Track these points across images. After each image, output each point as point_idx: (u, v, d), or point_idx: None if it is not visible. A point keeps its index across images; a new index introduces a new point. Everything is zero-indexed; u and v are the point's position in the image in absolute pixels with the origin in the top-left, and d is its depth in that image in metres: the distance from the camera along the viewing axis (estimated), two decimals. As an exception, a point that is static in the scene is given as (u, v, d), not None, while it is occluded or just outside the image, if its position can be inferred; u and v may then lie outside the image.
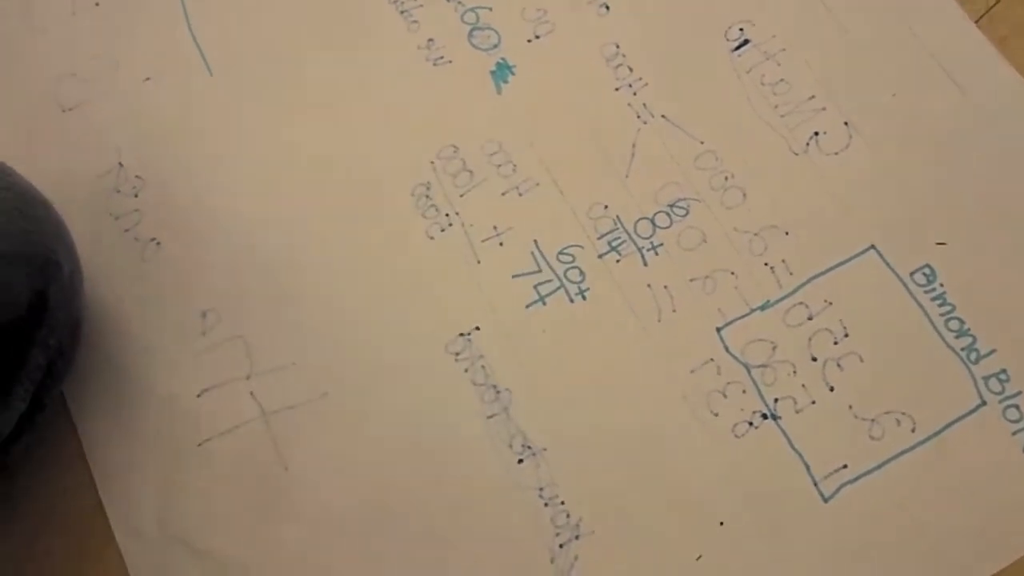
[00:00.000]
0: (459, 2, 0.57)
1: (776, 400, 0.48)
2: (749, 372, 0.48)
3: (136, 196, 0.54)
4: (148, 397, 0.50)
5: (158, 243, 0.53)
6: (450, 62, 0.56)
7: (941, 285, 0.49)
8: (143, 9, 0.59)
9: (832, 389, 0.48)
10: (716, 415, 0.48)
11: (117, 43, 0.58)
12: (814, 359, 0.48)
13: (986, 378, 0.47)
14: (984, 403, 0.47)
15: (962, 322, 0.48)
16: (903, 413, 0.47)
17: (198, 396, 0.50)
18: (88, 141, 0.56)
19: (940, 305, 0.49)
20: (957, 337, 0.48)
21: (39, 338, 0.44)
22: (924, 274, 0.49)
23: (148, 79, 0.57)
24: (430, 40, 0.56)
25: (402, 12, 0.57)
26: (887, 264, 0.50)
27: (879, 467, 0.46)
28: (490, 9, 0.57)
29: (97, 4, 0.59)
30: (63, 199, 0.50)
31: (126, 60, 0.58)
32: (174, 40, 0.58)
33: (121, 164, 0.55)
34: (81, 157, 0.56)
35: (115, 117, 0.56)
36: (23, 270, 0.41)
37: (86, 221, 0.53)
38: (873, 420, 0.47)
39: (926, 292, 0.49)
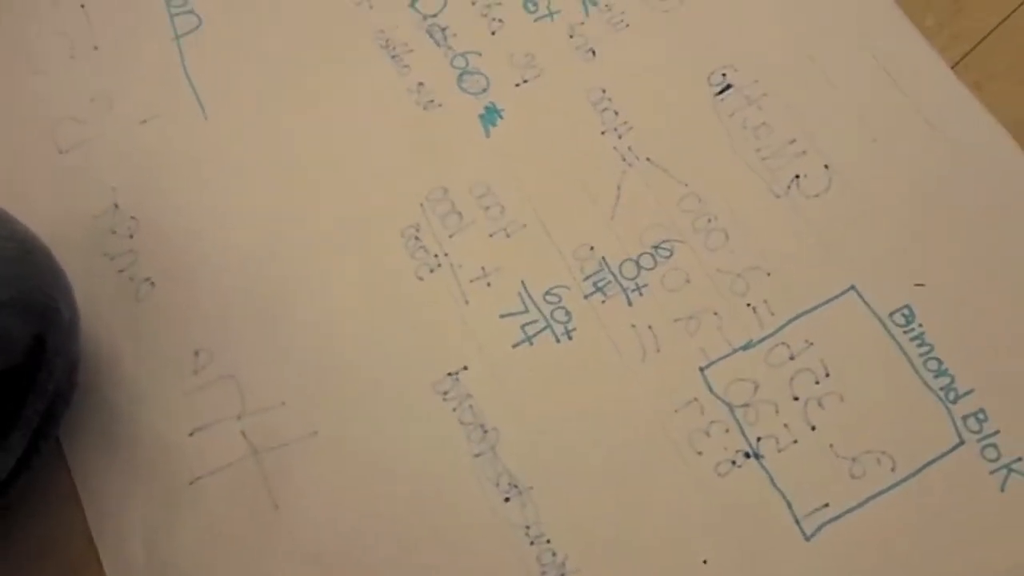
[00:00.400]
0: (449, 47, 0.58)
1: (759, 439, 0.48)
2: (732, 411, 0.49)
3: (131, 237, 0.55)
4: (140, 436, 0.51)
5: (152, 283, 0.54)
6: (440, 105, 0.57)
7: (920, 325, 0.50)
8: (140, 53, 0.60)
9: (814, 428, 0.48)
10: (700, 454, 0.48)
11: (114, 86, 0.60)
12: (796, 398, 0.49)
13: (964, 417, 0.48)
14: (963, 442, 0.48)
15: (940, 362, 0.49)
16: (883, 452, 0.48)
17: (190, 435, 0.51)
18: (85, 182, 0.57)
19: (919, 345, 0.50)
20: (936, 377, 0.49)
21: (37, 384, 0.44)
22: (903, 315, 0.50)
23: (144, 121, 0.58)
24: (420, 84, 0.58)
25: (393, 56, 0.58)
26: (867, 305, 0.51)
27: (860, 505, 0.47)
28: (479, 54, 0.58)
29: (96, 48, 0.61)
30: (59, 239, 0.51)
31: (123, 102, 0.59)
32: (170, 83, 0.59)
33: (116, 205, 0.56)
34: (77, 198, 0.57)
35: (111, 159, 0.58)
36: (23, 317, 0.42)
37: (81, 261, 0.54)
38: (854, 459, 0.48)
39: (905, 332, 0.50)
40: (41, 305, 0.43)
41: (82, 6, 0.62)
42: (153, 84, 0.59)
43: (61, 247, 0.50)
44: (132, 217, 0.56)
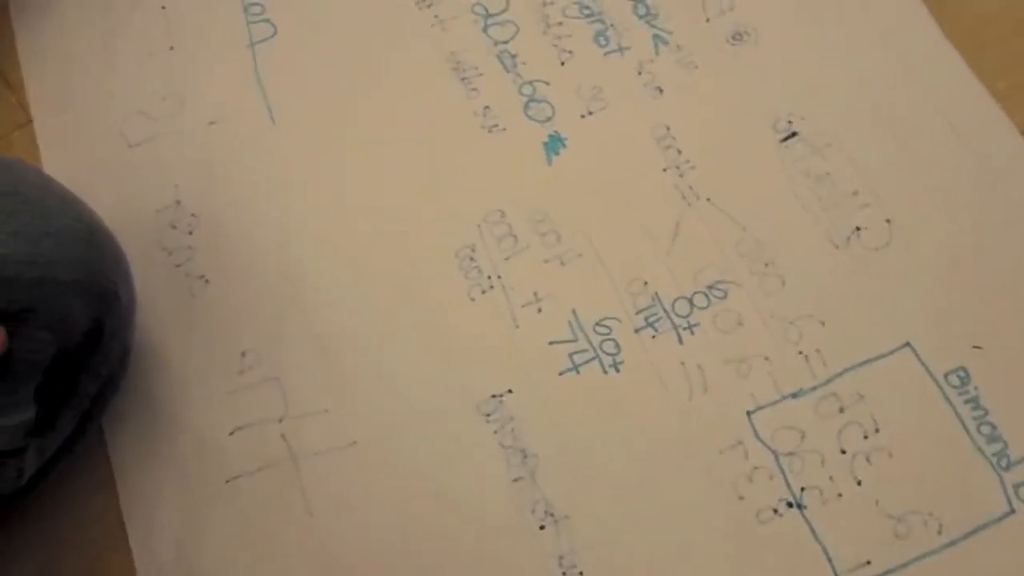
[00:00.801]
0: (518, 74, 0.59)
1: (803, 489, 0.48)
2: (777, 459, 0.48)
3: (190, 233, 0.56)
4: (181, 430, 0.51)
5: (207, 280, 0.55)
6: (504, 130, 0.57)
7: (975, 388, 0.49)
8: (215, 56, 0.62)
9: (860, 483, 0.47)
10: (742, 499, 0.48)
11: (187, 86, 0.61)
12: (843, 451, 0.48)
13: (1016, 486, 0.47)
14: (1013, 511, 0.46)
15: (994, 427, 0.48)
16: (930, 514, 0.47)
17: (230, 434, 0.51)
18: (150, 177, 0.58)
19: (973, 408, 0.49)
20: (989, 442, 0.48)
21: (92, 366, 0.45)
22: (959, 376, 0.49)
23: (213, 123, 0.59)
24: (487, 107, 0.58)
25: (463, 79, 0.59)
26: (922, 363, 0.50)
27: (903, 566, 0.46)
28: (547, 83, 0.59)
29: (172, 48, 0.62)
30: (121, 229, 0.52)
31: (194, 102, 0.60)
32: (242, 87, 0.60)
33: (179, 201, 0.57)
34: (142, 191, 0.58)
35: (178, 156, 0.59)
36: (84, 299, 0.43)
37: (140, 253, 0.55)
38: (899, 518, 0.47)
39: (960, 394, 0.49)
40: (103, 289, 0.44)
41: (163, 8, 0.63)
42: (225, 87, 0.60)
43: (122, 238, 0.51)
44: (193, 214, 0.57)
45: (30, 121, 0.61)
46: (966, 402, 0.49)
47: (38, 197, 0.43)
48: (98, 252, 0.44)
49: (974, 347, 0.50)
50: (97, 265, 0.44)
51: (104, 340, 0.45)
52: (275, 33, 0.62)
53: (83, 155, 0.59)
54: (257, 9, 0.63)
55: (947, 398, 0.49)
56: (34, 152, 0.60)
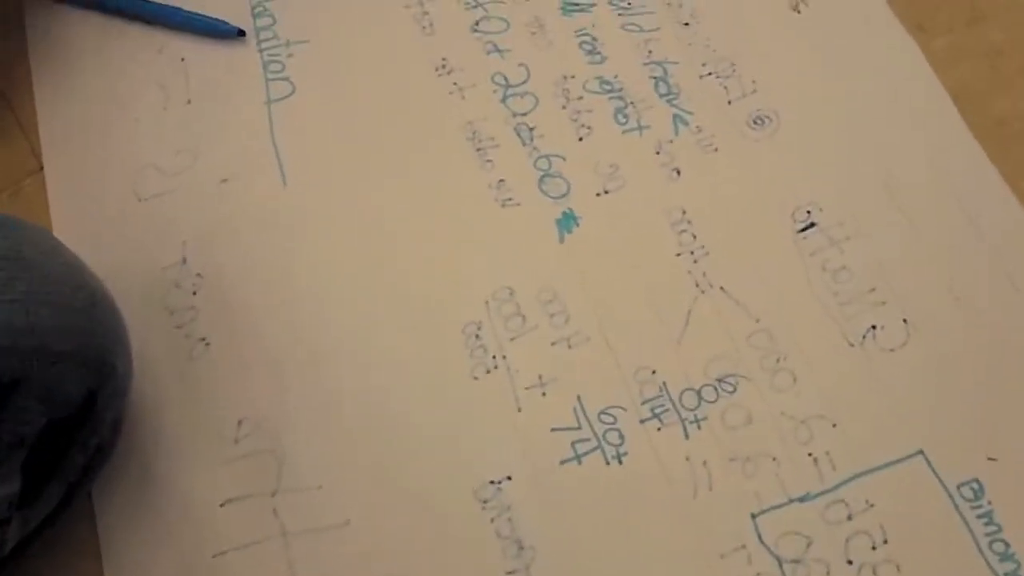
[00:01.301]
0: (534, 147, 0.58)
1: (806, 600, 0.46)
2: (781, 566, 0.47)
3: (194, 294, 0.55)
4: (171, 499, 0.50)
5: (207, 343, 0.54)
6: (518, 204, 0.57)
7: (989, 503, 0.47)
8: (231, 112, 0.61)
9: (865, 597, 0.46)
10: (742, 607, 0.46)
11: (201, 141, 0.60)
12: (850, 562, 0.47)
13: (1028, 610, 0.45)
14: (1024, 637, 0.45)
15: (1008, 545, 0.47)
16: (937, 634, 0.45)
17: (221, 505, 0.50)
18: (158, 233, 0.58)
19: (986, 524, 0.47)
20: (1001, 561, 0.46)
21: (81, 438, 0.44)
22: (972, 488, 0.48)
23: (225, 180, 0.59)
24: (501, 180, 0.57)
25: (478, 150, 0.58)
26: (934, 472, 0.48)
27: None
28: (563, 158, 0.58)
29: (189, 102, 0.62)
30: (123, 286, 0.51)
31: (207, 159, 0.60)
32: (256, 146, 0.60)
33: (185, 260, 0.56)
34: (148, 247, 0.57)
35: (187, 213, 0.58)
36: (80, 371, 0.42)
37: (141, 310, 0.54)
38: (905, 637, 0.45)
39: (972, 508, 0.47)
40: (99, 361, 0.43)
41: (182, 59, 0.63)
42: (239, 144, 0.60)
43: (124, 294, 0.50)
44: (198, 274, 0.56)
45: (41, 168, 0.60)
46: (979, 516, 0.47)
47: (40, 262, 0.43)
48: (98, 323, 0.44)
49: (989, 459, 0.49)
50: (96, 336, 0.43)
51: (96, 411, 0.44)
52: (293, 92, 0.62)
53: (92, 206, 0.59)
54: (276, 67, 0.62)
55: (959, 511, 0.48)
56: (43, 200, 0.59)
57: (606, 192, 0.57)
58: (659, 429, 0.50)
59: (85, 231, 0.57)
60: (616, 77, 0.60)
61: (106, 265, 0.50)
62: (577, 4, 0.63)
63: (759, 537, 0.47)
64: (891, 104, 0.58)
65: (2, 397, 0.39)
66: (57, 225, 0.58)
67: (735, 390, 0.51)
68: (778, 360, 0.51)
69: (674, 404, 0.51)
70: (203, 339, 0.54)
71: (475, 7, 0.63)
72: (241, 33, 0.63)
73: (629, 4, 0.63)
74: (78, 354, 0.42)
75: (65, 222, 0.58)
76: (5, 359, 0.39)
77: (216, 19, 0.63)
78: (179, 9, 0.64)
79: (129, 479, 0.51)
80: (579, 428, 0.50)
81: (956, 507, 0.48)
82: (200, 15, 0.63)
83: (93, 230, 0.57)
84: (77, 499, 0.46)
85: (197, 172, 0.59)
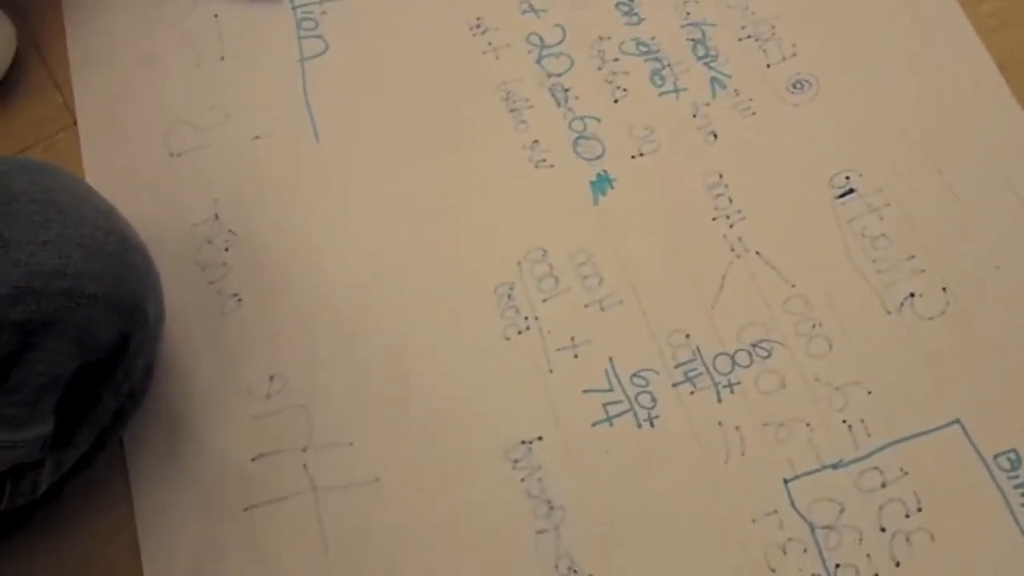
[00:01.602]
0: (569, 108, 0.58)
1: (837, 566, 0.46)
2: (813, 532, 0.46)
3: (226, 250, 0.55)
4: (203, 452, 0.50)
5: (239, 299, 0.54)
6: (552, 166, 0.56)
7: (1026, 473, 0.47)
8: (264, 69, 0.61)
9: (898, 564, 0.45)
10: (773, 571, 0.46)
11: (234, 98, 0.60)
12: (883, 529, 0.46)
13: (1064, 581, 0.45)
14: (1059, 608, 0.44)
15: (1044, 516, 0.46)
16: (971, 603, 0.45)
17: (252, 460, 0.50)
18: (190, 189, 0.57)
19: (1023, 494, 0.46)
20: (1037, 531, 0.46)
21: (114, 382, 0.44)
22: (1009, 459, 0.47)
23: (257, 137, 0.59)
24: (535, 142, 0.57)
25: (513, 110, 0.58)
26: (971, 442, 0.48)
27: (939, 657, 0.44)
28: (599, 120, 0.57)
29: (222, 59, 0.61)
30: (156, 241, 0.51)
31: (239, 115, 0.59)
32: (288, 103, 0.59)
33: (217, 216, 0.56)
34: (181, 203, 0.57)
35: (219, 170, 0.58)
36: (112, 314, 0.42)
37: (174, 266, 0.54)
38: (938, 605, 0.45)
39: (1009, 478, 0.47)
40: (131, 304, 0.43)
41: (215, 16, 0.63)
42: (272, 102, 0.60)
43: (157, 249, 0.50)
44: (230, 231, 0.56)
45: (75, 123, 0.60)
46: (1016, 487, 0.47)
47: (73, 207, 0.42)
48: (130, 266, 0.44)
49: (1027, 429, 0.48)
50: (128, 279, 0.43)
51: (128, 356, 0.44)
52: (326, 49, 0.61)
53: (125, 161, 0.59)
54: (310, 24, 0.62)
55: (995, 480, 0.47)
56: (76, 155, 0.59)
57: (641, 155, 0.56)
58: (692, 393, 0.50)
59: (117, 185, 0.57)
60: (653, 39, 0.59)
61: (138, 220, 0.50)
62: (614, -36, 0.62)
63: (791, 502, 0.47)
64: (934, 70, 0.57)
65: (35, 338, 0.40)
66: (90, 179, 0.58)
67: (769, 355, 0.50)
68: (813, 326, 0.51)
69: (707, 368, 0.50)
70: (235, 295, 0.54)
71: (510, -33, 0.62)
72: (275, -10, 0.63)
73: (667, -35, 0.62)
74: (110, 297, 0.42)
75: (98, 176, 0.58)
76: (38, 301, 0.39)
77: (250, -25, 0.63)
78: (213, -35, 0.63)
79: (161, 431, 0.51)
80: (611, 390, 0.50)
81: (992, 477, 0.47)
82: (233, -29, 0.63)
83: (125, 184, 0.57)
84: (109, 444, 0.47)
85: (230, 129, 0.59)
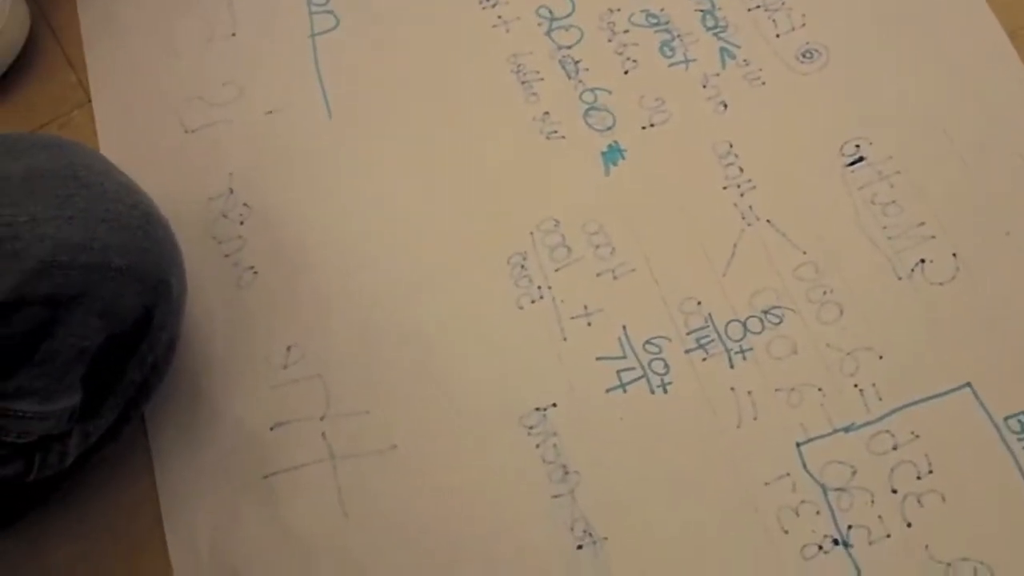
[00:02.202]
0: (580, 80, 0.58)
1: (850, 527, 0.46)
2: (825, 494, 0.47)
3: (242, 224, 0.56)
4: (222, 422, 0.51)
5: (255, 272, 0.55)
6: (563, 137, 0.56)
7: (1036, 435, 0.47)
8: (276, 45, 0.61)
9: (910, 525, 0.46)
10: (786, 532, 0.46)
11: (247, 73, 0.60)
12: (894, 491, 0.47)
13: (1074, 540, 0.45)
14: (1069, 566, 0.45)
15: (1054, 477, 0.47)
16: (981, 562, 0.45)
17: (271, 429, 0.51)
18: (204, 164, 0.58)
19: (1033, 456, 0.47)
20: (1048, 492, 0.46)
21: (139, 354, 0.45)
22: (1020, 421, 0.48)
23: (270, 112, 0.59)
24: (546, 113, 0.57)
25: (523, 83, 0.58)
26: (982, 405, 0.48)
27: (950, 615, 0.44)
28: (609, 92, 0.57)
29: (234, 34, 0.62)
30: (172, 215, 0.51)
31: (252, 91, 0.60)
32: (301, 78, 0.60)
33: (232, 190, 0.57)
34: (195, 178, 0.58)
35: (233, 144, 0.58)
36: (137, 287, 0.43)
37: (190, 240, 0.54)
38: (949, 564, 0.45)
39: (1019, 440, 0.47)
40: (155, 277, 0.44)
41: (226, -7, 0.63)
42: (284, 77, 0.60)
43: (173, 223, 0.50)
44: (245, 204, 0.56)
45: (89, 100, 0.61)
46: (1026, 448, 0.47)
47: (97, 182, 0.43)
48: (153, 240, 0.44)
49: (1037, 392, 0.48)
50: (151, 253, 0.44)
51: (153, 329, 0.45)
52: (337, 25, 0.61)
53: (140, 138, 0.59)
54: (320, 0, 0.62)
55: (1006, 443, 0.47)
56: (91, 132, 0.60)
57: (652, 125, 0.56)
58: (704, 359, 0.50)
59: (133, 161, 0.56)
60: (662, 10, 0.60)
61: (154, 194, 0.50)
62: (623, -64, 0.62)
63: (804, 465, 0.48)
64: (944, 39, 0.57)
65: (64, 312, 0.40)
66: (105, 154, 0.58)
67: (781, 321, 0.51)
68: (824, 292, 0.51)
69: (719, 335, 0.51)
70: (251, 267, 0.55)
71: (519, -60, 0.63)
72: (285, -34, 0.63)
73: (676, -64, 0.62)
74: (135, 270, 0.42)
75: (113, 152, 0.57)
76: (66, 274, 0.40)
77: (260, -48, 0.63)
78: (223, -58, 0.63)
79: (182, 403, 0.52)
80: (624, 357, 0.51)
81: (1003, 439, 0.47)
82: (244, -52, 0.63)
83: (141, 160, 0.57)
84: (134, 416, 0.47)
85: (243, 104, 0.59)
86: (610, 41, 0.59)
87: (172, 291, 0.45)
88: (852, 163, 0.54)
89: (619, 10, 0.60)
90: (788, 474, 0.48)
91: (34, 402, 0.41)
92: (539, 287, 0.53)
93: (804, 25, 0.58)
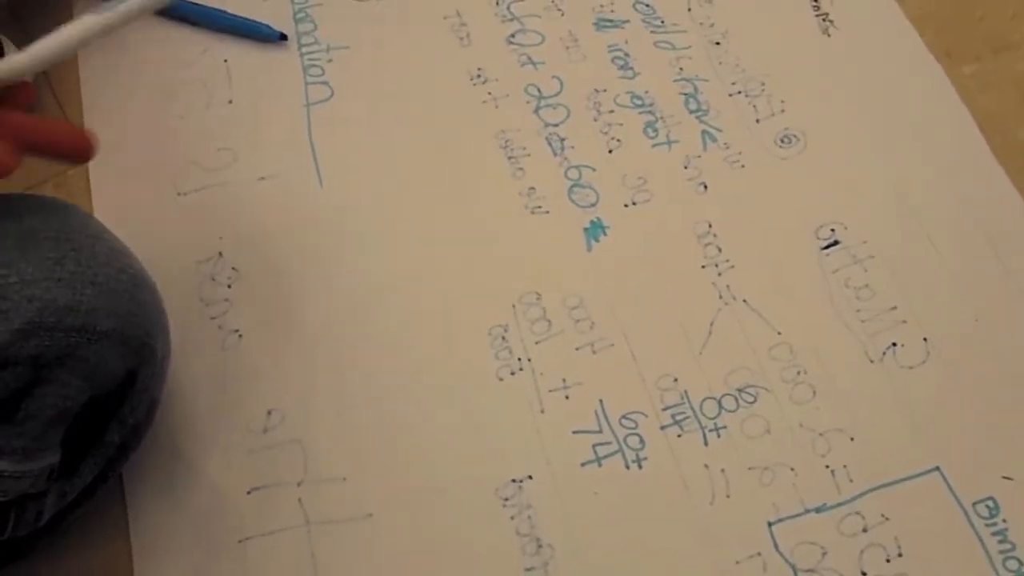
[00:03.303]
0: (565, 157, 0.60)
1: (819, 609, 0.47)
2: (796, 574, 0.47)
3: (229, 287, 0.57)
4: (200, 484, 0.51)
5: (240, 335, 0.55)
6: (547, 212, 0.58)
7: (1004, 521, 0.48)
8: (271, 112, 0.63)
9: (878, 608, 0.46)
10: (756, 613, 0.47)
11: (241, 140, 0.62)
12: (864, 573, 0.47)
13: (1040, 628, 0.46)
14: (1035, 655, 0.45)
15: (1021, 563, 0.47)
16: (949, 648, 0.45)
17: (248, 493, 0.51)
18: (195, 227, 0.59)
19: (1000, 542, 0.48)
20: (1014, 579, 0.47)
21: (120, 416, 0.45)
22: (987, 506, 0.48)
23: (263, 178, 0.60)
24: (531, 188, 0.59)
25: (510, 158, 0.60)
26: (950, 489, 0.49)
27: None
28: (593, 169, 0.59)
29: (230, 102, 0.63)
30: (161, 276, 0.52)
31: (246, 157, 0.61)
32: (294, 147, 0.61)
33: (221, 254, 0.58)
34: (186, 241, 0.59)
35: (225, 209, 0.60)
36: (121, 350, 0.43)
37: (177, 301, 0.55)
38: (917, 650, 0.46)
39: (987, 525, 0.48)
40: (140, 342, 0.44)
41: (225, 61, 0.65)
42: (277, 145, 0.62)
43: (161, 284, 0.51)
44: (234, 268, 0.57)
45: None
46: (993, 534, 0.48)
47: (88, 245, 0.44)
48: (140, 304, 0.45)
49: (1005, 477, 0.49)
50: (138, 317, 0.44)
51: (135, 392, 0.45)
52: (331, 96, 0.63)
53: (133, 198, 0.61)
54: (316, 71, 0.64)
55: (974, 528, 0.48)
56: (86, 191, 0.61)
57: (634, 203, 0.58)
58: (679, 436, 0.51)
59: (125, 221, 0.57)
60: (647, 92, 0.62)
61: (144, 255, 0.51)
62: (611, 20, 0.64)
63: (775, 545, 0.48)
64: (917, 128, 0.59)
65: (47, 372, 0.41)
66: (98, 214, 0.60)
67: (755, 400, 0.52)
68: (798, 373, 0.52)
69: (695, 412, 0.52)
70: (236, 331, 0.55)
71: (511, 20, 0.65)
72: (283, 37, 0.65)
73: (662, 22, 0.64)
74: (120, 334, 0.43)
75: (106, 212, 0.60)
76: (52, 336, 0.40)
77: (259, 23, 0.65)
78: (224, 12, 0.65)
79: (160, 463, 0.52)
80: (600, 431, 0.51)
81: (971, 524, 0.48)
82: (244, 19, 0.65)
83: (133, 221, 0.58)
84: (111, 476, 0.48)
85: (236, 170, 0.61)
86: (596, 120, 0.61)
87: (156, 355, 0.46)
88: (827, 246, 0.56)
89: (605, 91, 0.62)
90: (759, 553, 0.48)
91: (12, 461, 0.41)
92: (519, 359, 0.54)
93: (783, 111, 0.60)
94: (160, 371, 0.47)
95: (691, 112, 0.61)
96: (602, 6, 0.65)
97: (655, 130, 0.60)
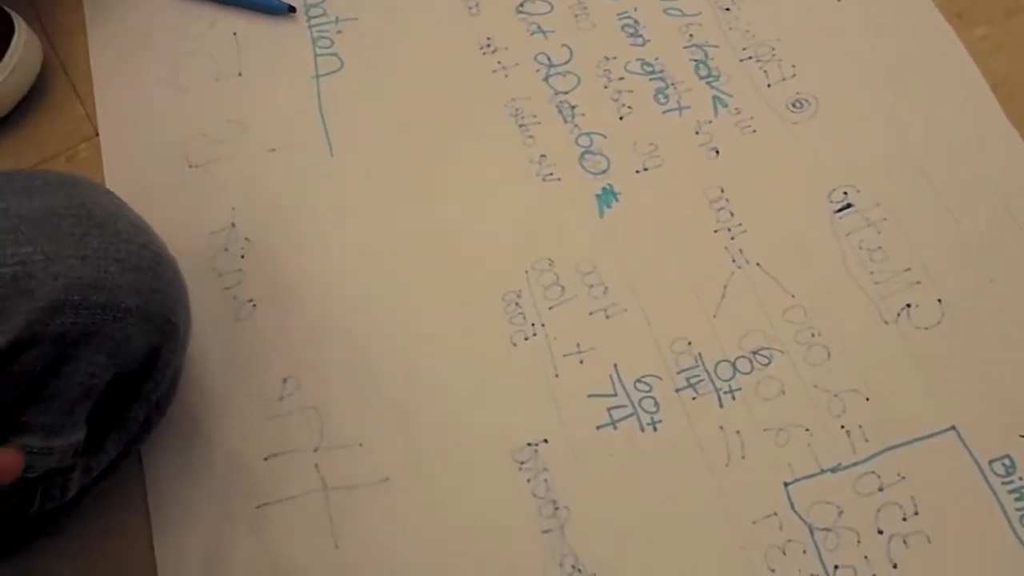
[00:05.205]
0: (576, 125, 0.60)
1: (836, 567, 0.47)
2: (812, 533, 0.47)
3: (242, 257, 0.57)
4: (217, 453, 0.52)
5: (254, 305, 0.55)
6: (558, 180, 0.58)
7: (1020, 479, 0.48)
8: (280, 84, 0.63)
9: (895, 566, 0.47)
10: (773, 571, 0.47)
11: (251, 112, 0.62)
12: (880, 532, 0.47)
13: (1057, 584, 0.46)
14: (1052, 609, 0.45)
15: (1038, 521, 0.47)
16: (966, 604, 0.46)
17: (265, 459, 0.51)
18: (207, 198, 0.59)
19: (1017, 499, 0.48)
20: (1031, 535, 0.47)
21: (144, 392, 0.45)
22: (1004, 464, 0.48)
23: (273, 150, 0.60)
24: (543, 156, 0.59)
25: (520, 126, 0.60)
26: (967, 448, 0.49)
27: (935, 657, 0.45)
28: (604, 136, 0.59)
29: (240, 74, 0.63)
30: (175, 248, 0.52)
31: (256, 128, 0.61)
32: (303, 118, 0.61)
33: (234, 224, 0.58)
34: (198, 212, 0.59)
35: (236, 180, 0.60)
36: (145, 327, 0.43)
37: (191, 273, 0.55)
38: (934, 606, 0.46)
39: (1004, 483, 0.48)
40: (163, 318, 0.44)
41: (234, 34, 0.65)
42: (287, 116, 0.62)
43: (176, 256, 0.51)
44: (246, 238, 0.58)
45: (96, 134, 0.62)
46: (1010, 492, 0.48)
47: (110, 221, 0.44)
48: (162, 280, 0.45)
49: (1021, 436, 0.49)
50: (160, 293, 0.44)
51: (158, 367, 0.45)
52: (341, 67, 0.63)
53: (144, 172, 0.61)
54: (325, 43, 0.64)
55: (990, 485, 0.48)
56: (97, 165, 0.61)
57: (645, 170, 0.58)
58: (694, 398, 0.51)
59: (138, 194, 0.57)
60: (657, 59, 0.61)
61: (157, 227, 0.51)
62: (620, -12, 0.64)
63: (791, 505, 0.48)
64: (929, 91, 0.59)
65: (73, 350, 0.41)
66: (110, 188, 0.59)
67: (769, 362, 0.52)
68: (813, 335, 0.52)
69: (709, 375, 0.52)
70: (250, 300, 0.56)
71: (520, -11, 0.65)
72: (292, 9, 0.65)
73: (671, -11, 0.64)
74: (144, 310, 0.43)
75: (118, 185, 0.60)
76: (77, 313, 0.40)
77: (268, -5, 0.65)
78: (232, -15, 0.66)
79: (177, 430, 0.52)
80: (615, 395, 0.51)
81: (987, 482, 0.48)
82: (253, -9, 0.65)
83: (145, 193, 0.58)
84: (135, 450, 0.48)
85: (246, 141, 0.61)
86: (606, 88, 0.61)
87: (179, 331, 0.46)
88: (840, 209, 0.56)
89: (615, 58, 0.62)
90: (775, 513, 0.48)
91: (40, 438, 0.41)
92: (532, 324, 0.54)
93: (794, 76, 0.60)
94: (182, 346, 0.47)
95: (702, 78, 0.60)
96: (611, -26, 0.65)
97: (665, 96, 0.60)
